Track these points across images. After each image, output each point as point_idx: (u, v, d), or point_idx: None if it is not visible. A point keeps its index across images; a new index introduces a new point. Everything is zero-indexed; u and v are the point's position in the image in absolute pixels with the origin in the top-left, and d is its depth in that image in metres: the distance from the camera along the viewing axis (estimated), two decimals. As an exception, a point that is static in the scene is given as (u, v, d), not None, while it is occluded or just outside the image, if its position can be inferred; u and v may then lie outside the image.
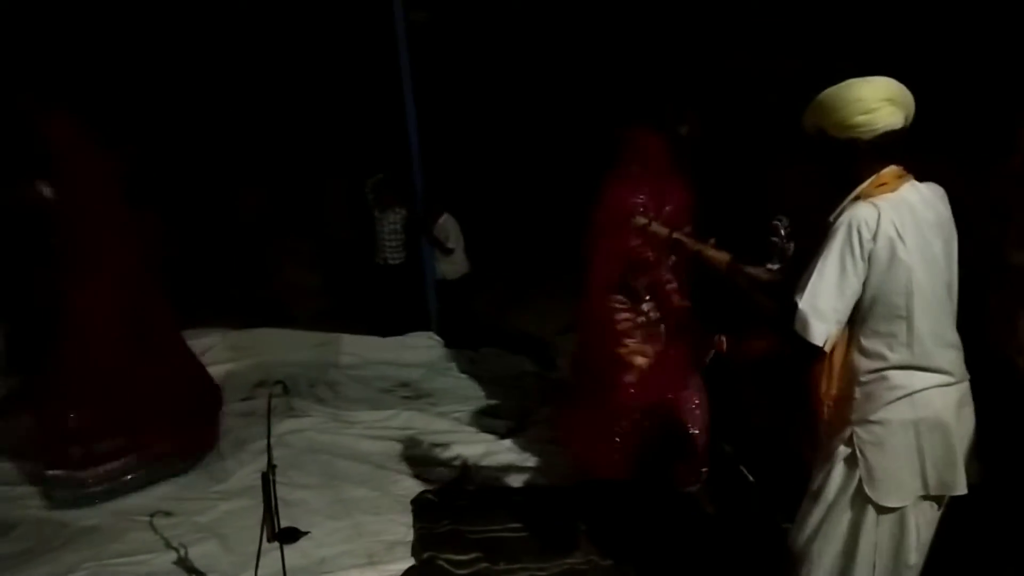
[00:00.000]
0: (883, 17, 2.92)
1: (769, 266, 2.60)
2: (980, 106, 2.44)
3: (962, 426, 2.21)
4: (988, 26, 2.40)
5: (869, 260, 2.11)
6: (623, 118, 3.83)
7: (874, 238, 2.10)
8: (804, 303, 2.14)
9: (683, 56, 4.63)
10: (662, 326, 3.92)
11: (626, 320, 3.87)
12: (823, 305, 2.13)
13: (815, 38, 3.38)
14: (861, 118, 2.12)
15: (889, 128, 2.13)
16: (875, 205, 2.12)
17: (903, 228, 2.10)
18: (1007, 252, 2.23)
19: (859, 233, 2.10)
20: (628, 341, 3.87)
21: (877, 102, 2.12)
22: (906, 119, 2.16)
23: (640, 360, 3.85)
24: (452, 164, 6.82)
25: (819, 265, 2.15)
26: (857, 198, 2.17)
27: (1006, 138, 2.29)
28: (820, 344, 2.16)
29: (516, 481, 4.12)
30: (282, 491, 2.82)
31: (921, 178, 2.21)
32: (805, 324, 2.14)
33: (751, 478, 3.97)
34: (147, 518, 3.81)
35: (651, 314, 3.90)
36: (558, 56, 7.12)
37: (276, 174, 7.32)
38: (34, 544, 3.66)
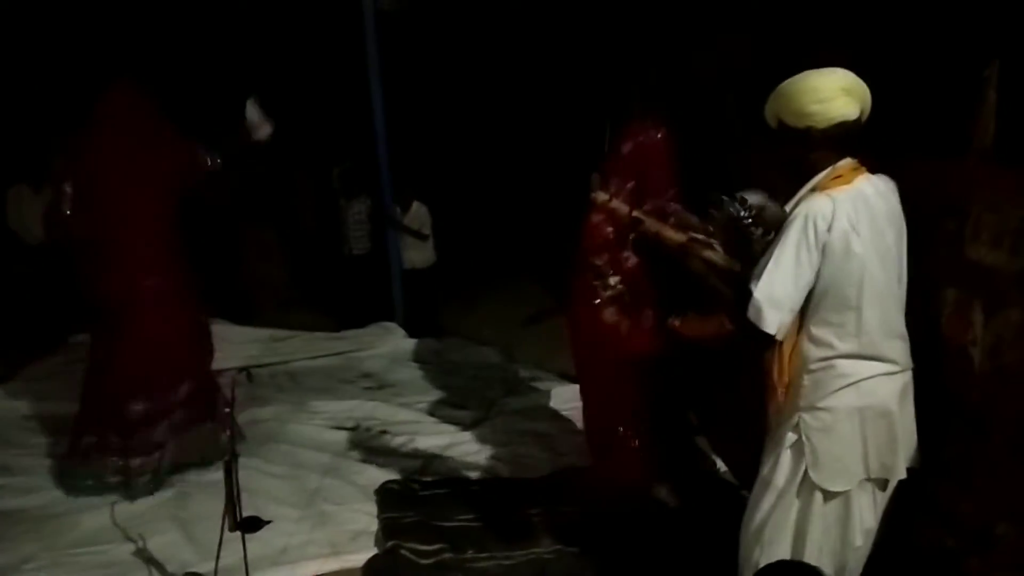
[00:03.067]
0: (845, 14, 2.98)
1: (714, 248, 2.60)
2: (940, 103, 2.49)
3: (904, 413, 2.27)
4: (948, 24, 2.46)
5: (823, 252, 2.16)
6: (598, 108, 3.83)
7: (829, 230, 2.14)
8: (759, 292, 2.18)
9: (652, 46, 4.66)
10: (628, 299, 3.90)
11: (602, 295, 3.86)
12: (778, 294, 2.18)
13: (778, 33, 3.43)
14: (816, 107, 2.18)
15: (844, 118, 2.18)
16: (831, 198, 2.16)
17: (858, 221, 2.15)
18: (965, 247, 2.30)
19: (814, 225, 2.14)
20: (607, 312, 3.85)
21: (832, 91, 2.17)
22: (862, 112, 2.21)
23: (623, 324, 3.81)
24: (419, 154, 6.79)
25: (775, 255, 2.19)
26: (814, 189, 2.22)
27: (963, 135, 2.35)
28: (773, 333, 2.20)
29: (480, 472, 4.13)
30: (244, 480, 2.79)
31: (885, 173, 2.26)
32: (759, 313, 2.19)
33: (721, 466, 4.02)
34: (107, 506, 3.76)
35: (619, 286, 3.88)
36: (527, 46, 7.12)
37: (240, 163, 7.21)
38: (-11, 534, 3.59)
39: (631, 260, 3.79)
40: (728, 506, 3.25)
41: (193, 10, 6.69)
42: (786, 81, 2.24)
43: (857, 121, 2.22)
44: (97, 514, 3.71)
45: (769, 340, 2.23)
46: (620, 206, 3.07)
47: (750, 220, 2.39)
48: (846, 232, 2.14)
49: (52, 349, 5.74)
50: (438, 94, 7.38)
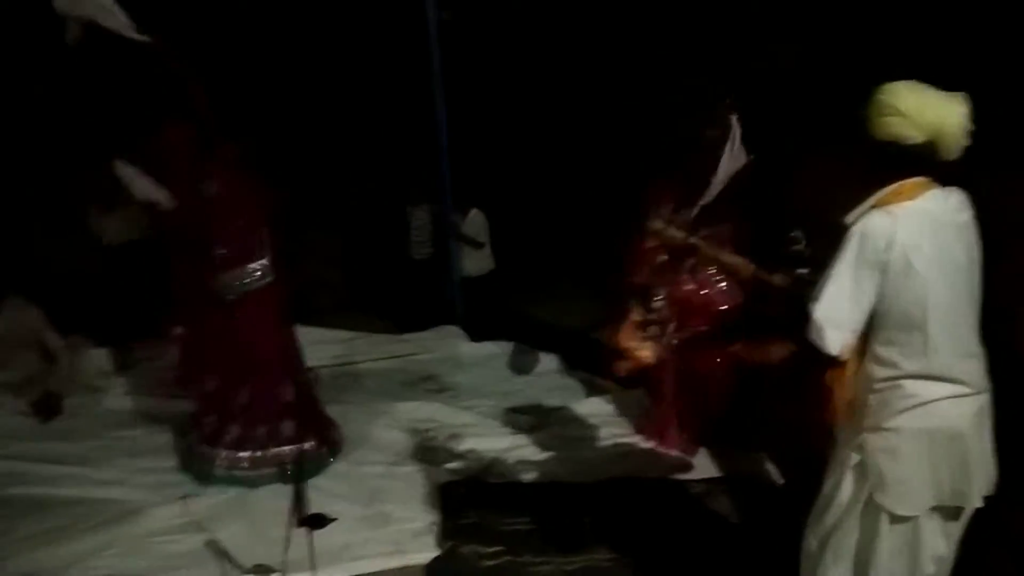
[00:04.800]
0: (930, 25, 2.93)
1: (799, 271, 2.61)
2: (1014, 116, 2.44)
3: (980, 438, 2.20)
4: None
5: (884, 270, 2.11)
6: (660, 117, 3.85)
7: (887, 248, 2.09)
8: (818, 312, 2.16)
9: (716, 52, 4.63)
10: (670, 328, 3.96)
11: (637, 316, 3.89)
12: (837, 314, 2.15)
13: (859, 36, 3.37)
14: (876, 120, 2.14)
15: (894, 138, 2.12)
16: (890, 214, 2.12)
17: (920, 238, 2.10)
18: (1041, 263, 2.25)
19: (871, 243, 2.11)
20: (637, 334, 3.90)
21: (887, 108, 2.12)
22: (931, 140, 2.11)
23: (644, 354, 3.85)
24: (480, 161, 6.86)
25: (833, 274, 2.16)
26: (875, 205, 2.17)
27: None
28: (835, 352, 2.17)
29: (539, 476, 4.16)
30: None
31: (958, 186, 2.21)
32: (820, 332, 2.16)
33: (777, 479, 3.99)
34: (179, 498, 3.90)
35: (659, 314, 3.90)
36: (587, 54, 7.13)
37: (302, 169, 7.38)
38: (67, 523, 3.74)
39: (688, 285, 3.81)
40: (786, 520, 3.22)
41: (259, 22, 6.86)
42: None
43: (925, 146, 2.11)
44: (171, 507, 3.85)
45: (832, 360, 2.19)
46: (675, 233, 3.07)
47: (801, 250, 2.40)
48: (907, 250, 2.09)
49: (129, 344, 5.91)
50: (499, 102, 7.43)
